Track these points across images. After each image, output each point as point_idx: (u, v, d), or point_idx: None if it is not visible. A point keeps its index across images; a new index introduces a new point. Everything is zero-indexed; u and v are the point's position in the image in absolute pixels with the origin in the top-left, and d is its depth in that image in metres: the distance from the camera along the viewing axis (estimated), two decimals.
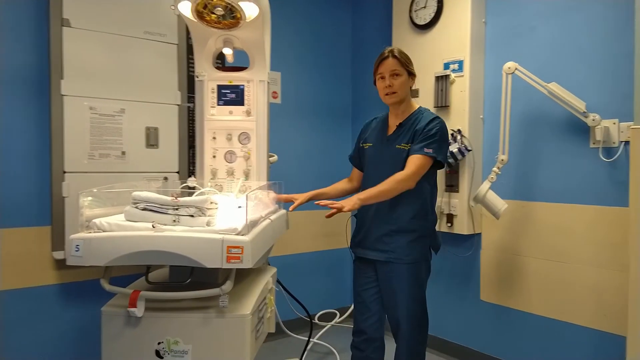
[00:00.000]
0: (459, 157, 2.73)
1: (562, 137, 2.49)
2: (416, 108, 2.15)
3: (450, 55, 2.85)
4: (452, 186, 2.85)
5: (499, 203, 2.56)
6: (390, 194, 1.95)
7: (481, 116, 2.85)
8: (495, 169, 2.54)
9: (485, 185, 2.56)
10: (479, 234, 2.87)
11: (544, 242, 2.57)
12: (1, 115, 2.32)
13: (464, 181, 2.80)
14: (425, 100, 2.98)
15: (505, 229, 2.74)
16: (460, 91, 2.80)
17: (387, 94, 2.08)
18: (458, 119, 2.81)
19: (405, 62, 2.07)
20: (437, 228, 2.88)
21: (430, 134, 2.01)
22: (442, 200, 2.88)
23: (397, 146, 2.07)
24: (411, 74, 2.10)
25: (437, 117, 2.07)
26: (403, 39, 3.14)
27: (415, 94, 3.05)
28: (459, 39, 2.81)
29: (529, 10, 2.63)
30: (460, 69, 2.79)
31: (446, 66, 2.87)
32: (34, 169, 2.40)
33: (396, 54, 2.06)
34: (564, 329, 2.49)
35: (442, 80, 2.85)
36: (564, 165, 2.49)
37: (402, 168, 2.01)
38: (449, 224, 2.87)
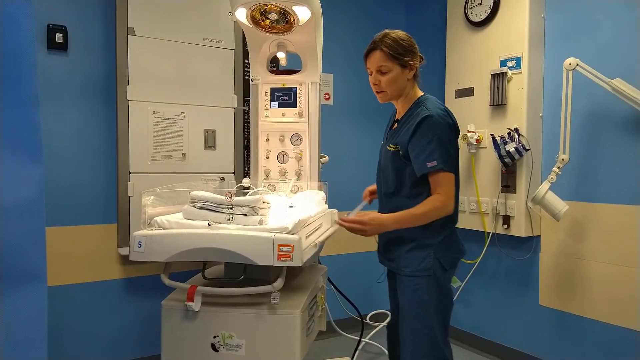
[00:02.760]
0: (516, 156, 2.65)
1: (627, 135, 2.36)
2: (416, 98, 1.84)
3: (507, 52, 2.77)
4: (509, 187, 2.77)
5: (559, 204, 2.47)
6: (426, 221, 1.72)
7: (540, 114, 2.75)
8: (555, 169, 2.45)
9: (545, 185, 2.47)
10: (538, 237, 2.77)
11: (608, 245, 2.44)
12: (73, 120, 2.50)
13: (522, 181, 2.71)
14: (480, 98, 2.92)
15: (566, 232, 2.63)
16: (518, 89, 2.72)
17: (376, 92, 1.84)
18: (515, 118, 2.73)
19: (396, 54, 1.74)
20: (492, 229, 2.84)
21: (426, 142, 1.70)
22: (497, 201, 2.81)
23: (387, 147, 1.85)
24: (406, 66, 1.78)
25: (429, 116, 1.71)
26: (458, 37, 3.09)
27: (470, 92, 2.99)
28: (516, 35, 2.73)
29: (591, 4, 2.52)
30: (518, 66, 2.71)
31: (503, 63, 2.79)
32: (102, 170, 2.57)
33: (383, 46, 1.75)
34: (628, 337, 2.36)
35: (499, 78, 2.78)
36: (628, 164, 2.36)
37: (392, 171, 1.81)
38: (505, 226, 2.79)
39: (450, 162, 1.73)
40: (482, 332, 3.08)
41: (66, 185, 2.48)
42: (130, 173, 2.52)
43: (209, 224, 1.73)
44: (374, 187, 2.07)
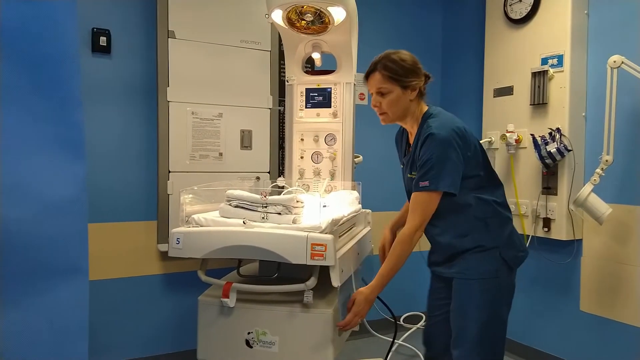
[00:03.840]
0: (558, 157, 2.57)
1: None
2: (422, 116, 1.78)
3: (548, 50, 2.69)
4: (550, 188, 2.69)
5: (603, 207, 2.38)
6: (400, 262, 1.72)
7: (583, 114, 2.66)
8: (598, 170, 2.36)
9: (587, 187, 2.39)
10: (580, 240, 2.68)
11: None
12: (116, 120, 2.60)
13: (563, 183, 2.63)
14: (520, 97, 2.85)
15: (609, 235, 2.53)
16: (560, 87, 2.64)
17: (379, 114, 1.80)
18: (557, 117, 2.65)
19: (396, 75, 1.70)
20: (532, 232, 2.77)
21: (423, 162, 1.66)
22: (538, 203, 2.74)
23: (409, 175, 1.80)
24: (407, 87, 1.72)
25: (430, 134, 1.66)
26: (497, 35, 3.02)
27: (509, 91, 2.92)
28: (558, 32, 2.64)
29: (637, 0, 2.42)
30: (560, 63, 2.63)
31: (544, 61, 2.72)
32: (144, 169, 2.66)
33: (382, 68, 1.71)
34: None
35: (540, 76, 2.70)
36: None
37: None
38: (546, 229, 2.71)
39: (448, 181, 1.65)
40: (520, 337, 3.00)
41: (109, 184, 2.57)
42: (170, 172, 2.60)
43: (244, 222, 1.76)
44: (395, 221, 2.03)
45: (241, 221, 1.78)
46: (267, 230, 1.72)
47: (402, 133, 1.93)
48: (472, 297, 1.74)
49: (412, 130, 1.82)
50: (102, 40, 2.52)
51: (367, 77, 1.77)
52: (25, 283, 0.96)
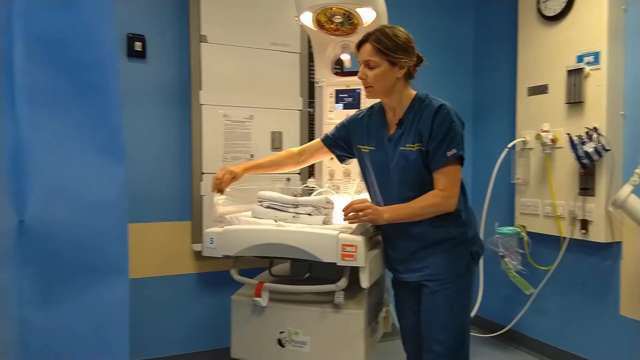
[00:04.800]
0: (595, 157, 2.50)
1: None
2: (413, 96, 1.77)
3: (584, 47, 2.62)
4: (587, 189, 2.62)
5: None
6: (423, 216, 1.69)
7: (621, 112, 2.57)
8: (638, 170, 2.29)
9: (627, 188, 2.31)
10: (619, 243, 2.59)
11: None
12: (151, 123, 2.66)
13: (601, 184, 2.56)
14: (555, 96, 2.78)
15: None
16: (597, 85, 2.56)
17: (364, 87, 1.76)
18: (594, 116, 2.57)
19: (386, 49, 1.66)
20: (569, 234, 2.71)
21: (445, 132, 1.66)
22: (575, 205, 2.67)
23: (401, 148, 1.73)
24: (395, 63, 1.68)
25: (442, 105, 1.69)
26: (530, 33, 2.96)
27: (544, 89, 2.86)
28: (594, 29, 2.57)
29: None
30: (597, 61, 2.56)
31: (580, 59, 2.65)
32: (178, 170, 2.72)
33: (373, 39, 1.67)
34: None
35: (575, 75, 2.63)
36: None
37: (413, 172, 1.71)
38: (583, 231, 2.64)
39: (464, 150, 1.68)
40: (557, 342, 2.93)
41: (146, 185, 2.64)
42: (202, 173, 2.65)
43: (275, 220, 1.78)
44: (253, 163, 1.98)
45: (273, 221, 1.80)
46: (298, 229, 1.74)
47: (369, 115, 1.89)
48: (450, 298, 1.73)
49: (399, 109, 1.78)
50: (138, 46, 2.59)
51: (358, 47, 1.73)
52: (69, 281, 1.01)
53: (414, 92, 1.78)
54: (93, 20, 1.05)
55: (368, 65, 1.69)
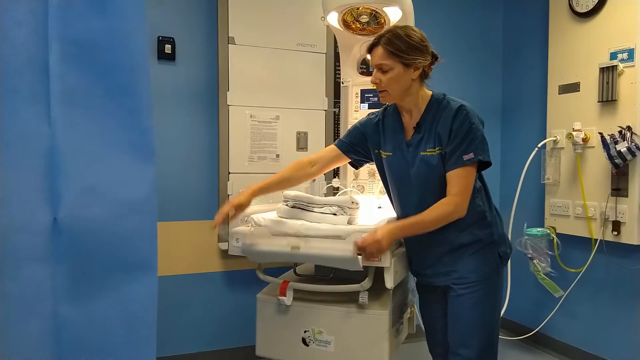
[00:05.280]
0: (629, 157, 2.43)
1: None
2: (429, 97, 1.70)
3: (618, 44, 2.55)
4: (620, 190, 2.55)
5: None
6: (436, 227, 1.62)
7: None
8: None
9: None
10: None
11: None
12: (180, 124, 2.72)
13: (635, 184, 2.48)
14: (587, 94, 2.71)
15: None
16: (631, 83, 2.49)
17: (379, 92, 1.69)
18: (627, 115, 2.50)
19: (399, 51, 1.59)
20: (600, 236, 2.64)
21: (463, 134, 1.60)
22: (607, 206, 2.60)
23: (422, 153, 1.67)
24: (410, 65, 1.61)
25: (461, 106, 1.62)
26: (561, 30, 2.90)
27: (575, 87, 2.79)
28: (628, 25, 2.50)
29: None
30: (631, 58, 2.49)
31: (613, 56, 2.58)
32: (205, 170, 2.76)
33: (384, 42, 1.60)
34: None
35: (608, 72, 2.57)
36: None
37: (435, 178, 1.65)
38: (615, 232, 2.57)
39: (487, 154, 1.63)
40: (587, 346, 2.86)
41: (175, 184, 2.69)
42: (229, 173, 2.69)
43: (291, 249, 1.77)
44: (260, 185, 1.82)
45: (298, 222, 1.81)
46: (316, 252, 1.72)
47: (383, 118, 1.81)
48: (479, 301, 1.70)
49: (415, 112, 1.71)
50: (167, 48, 2.64)
51: (370, 50, 1.66)
52: (101, 277, 1.04)
53: (429, 93, 1.72)
54: (126, 25, 1.08)
55: (381, 69, 1.63)
